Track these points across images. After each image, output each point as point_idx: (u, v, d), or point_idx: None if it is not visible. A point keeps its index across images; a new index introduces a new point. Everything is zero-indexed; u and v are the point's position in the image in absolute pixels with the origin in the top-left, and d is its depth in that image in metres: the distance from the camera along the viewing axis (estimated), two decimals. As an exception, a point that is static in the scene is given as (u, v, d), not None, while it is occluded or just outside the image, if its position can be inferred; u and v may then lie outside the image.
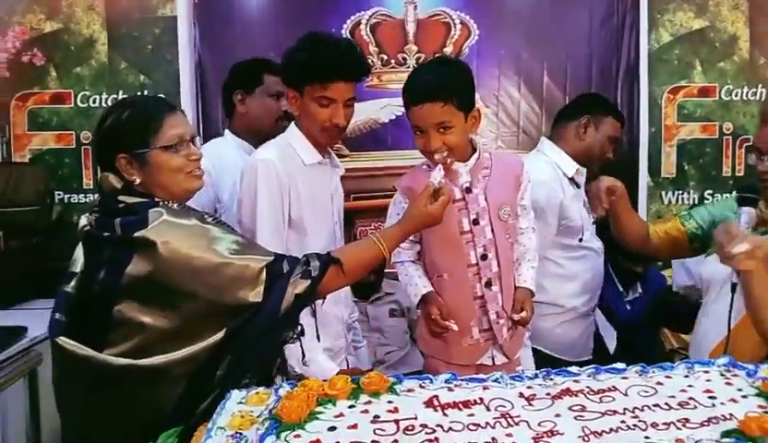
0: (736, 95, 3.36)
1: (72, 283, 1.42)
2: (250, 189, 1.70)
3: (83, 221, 1.46)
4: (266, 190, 1.68)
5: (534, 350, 2.07)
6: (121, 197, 1.42)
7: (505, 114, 3.28)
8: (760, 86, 3.36)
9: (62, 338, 1.36)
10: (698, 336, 1.82)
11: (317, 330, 1.67)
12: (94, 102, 3.14)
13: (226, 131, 2.27)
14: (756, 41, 3.33)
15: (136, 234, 1.34)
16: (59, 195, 3.14)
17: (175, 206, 1.44)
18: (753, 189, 1.66)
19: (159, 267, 1.33)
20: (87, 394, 1.39)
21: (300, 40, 1.71)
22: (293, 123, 1.81)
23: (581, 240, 2.22)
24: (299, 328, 1.48)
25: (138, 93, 3.11)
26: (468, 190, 1.69)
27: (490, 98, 3.27)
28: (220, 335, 1.34)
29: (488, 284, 1.70)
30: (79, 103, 3.14)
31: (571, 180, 2.22)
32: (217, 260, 1.35)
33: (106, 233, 1.39)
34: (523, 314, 1.72)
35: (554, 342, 2.20)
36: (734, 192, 1.84)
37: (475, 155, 1.72)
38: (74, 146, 3.15)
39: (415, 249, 1.79)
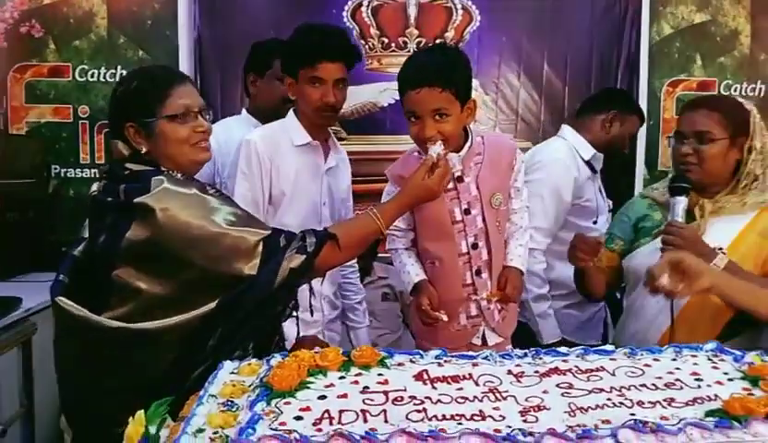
0: (735, 90, 3.37)
1: (80, 248, 1.45)
2: (234, 166, 1.87)
3: (94, 187, 1.48)
4: (245, 167, 1.83)
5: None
6: (128, 165, 1.45)
7: (504, 102, 3.29)
8: (759, 82, 3.38)
9: (61, 298, 1.38)
10: (636, 328, 1.77)
11: (310, 307, 1.70)
12: (92, 77, 3.14)
13: (243, 110, 2.41)
14: (757, 37, 3.34)
15: (136, 200, 1.36)
16: (55, 169, 3.14)
17: (179, 175, 1.45)
18: (684, 179, 1.69)
19: (156, 233, 1.35)
20: (82, 354, 1.41)
21: (294, 30, 1.84)
22: (292, 109, 1.93)
23: (595, 223, 2.27)
24: (293, 302, 1.49)
25: (137, 69, 3.11)
26: (460, 179, 1.69)
27: (490, 85, 3.27)
28: (212, 305, 1.35)
29: (478, 272, 1.72)
30: (78, 77, 3.14)
31: (588, 163, 2.28)
32: (214, 230, 1.37)
33: (109, 199, 1.41)
34: (508, 291, 1.71)
35: (561, 323, 2.25)
36: (639, 190, 1.87)
37: (468, 143, 1.71)
38: (71, 120, 3.14)
39: (409, 237, 1.79)
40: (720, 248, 1.63)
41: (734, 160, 1.69)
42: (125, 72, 3.10)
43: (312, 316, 1.71)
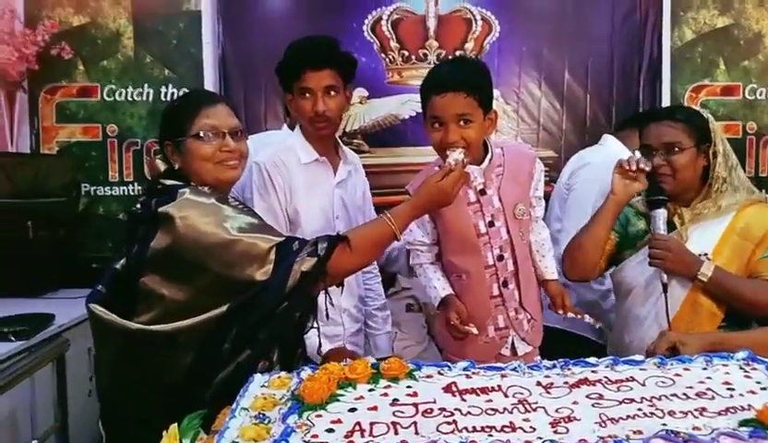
0: (760, 94, 3.31)
1: (122, 261, 1.52)
2: (249, 189, 1.88)
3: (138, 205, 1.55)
4: (261, 188, 1.86)
5: (577, 335, 2.21)
6: (162, 180, 1.53)
7: (525, 111, 3.28)
8: (785, 85, 3.32)
9: (93, 304, 1.45)
10: (631, 338, 1.79)
11: (326, 312, 1.70)
12: (120, 96, 3.20)
13: (284, 125, 2.51)
14: (781, 40, 3.29)
15: (160, 210, 1.43)
16: (85, 187, 3.20)
17: (206, 189, 1.51)
18: (659, 191, 1.73)
19: (176, 240, 1.41)
20: (112, 358, 1.48)
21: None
22: (299, 125, 1.95)
23: None
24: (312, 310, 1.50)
25: (162, 87, 3.19)
26: (482, 192, 1.70)
27: (511, 94, 3.27)
28: (223, 308, 1.39)
29: (505, 284, 1.72)
30: (106, 97, 3.20)
31: None
32: (227, 237, 1.41)
33: (140, 212, 1.49)
34: (568, 306, 1.76)
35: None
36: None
37: (488, 156, 1.72)
38: (100, 138, 3.21)
39: (434, 252, 1.79)
40: (705, 254, 1.69)
41: (701, 166, 1.75)
42: (151, 91, 3.19)
43: (327, 318, 1.70)
